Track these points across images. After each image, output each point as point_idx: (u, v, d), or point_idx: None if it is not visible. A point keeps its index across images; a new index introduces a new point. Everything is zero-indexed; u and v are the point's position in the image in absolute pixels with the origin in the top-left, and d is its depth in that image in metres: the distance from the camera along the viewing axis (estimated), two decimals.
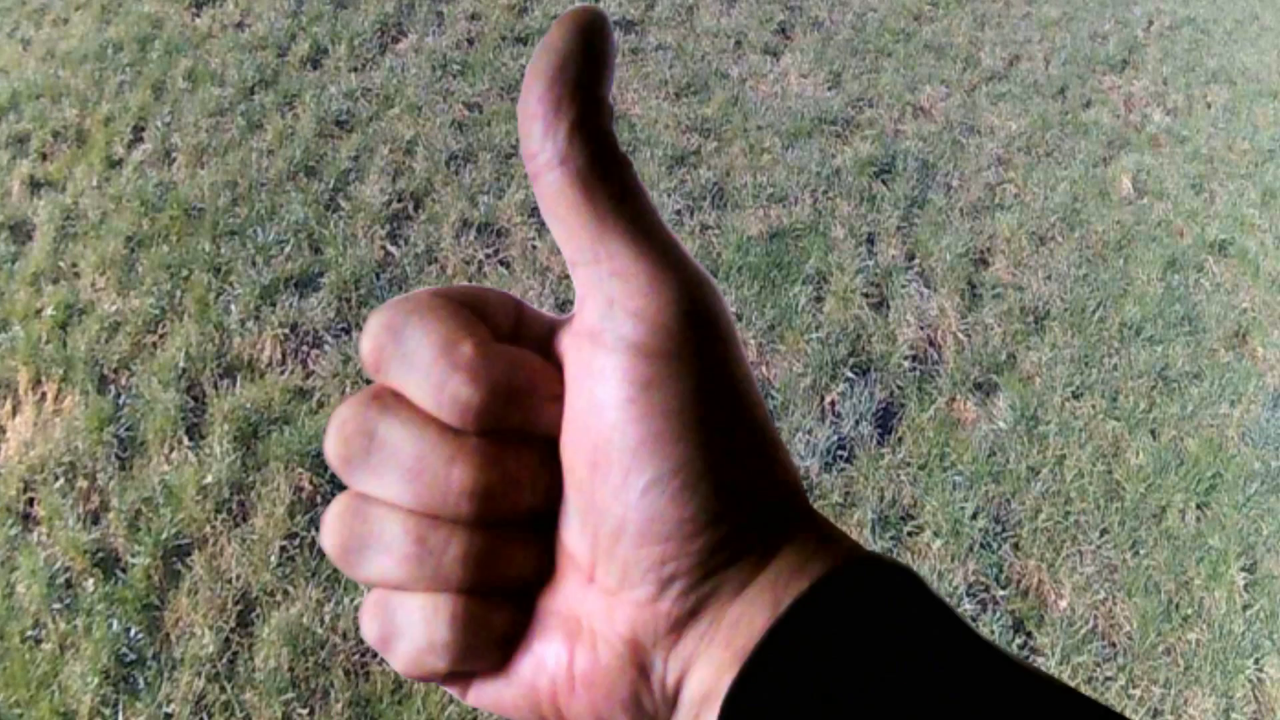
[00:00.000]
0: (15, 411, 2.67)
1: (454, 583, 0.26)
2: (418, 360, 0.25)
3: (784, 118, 4.02)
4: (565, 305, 3.01)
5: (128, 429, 2.58)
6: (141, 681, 2.06)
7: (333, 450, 0.26)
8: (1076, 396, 2.99)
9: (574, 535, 0.27)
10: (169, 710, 2.03)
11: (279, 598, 2.22)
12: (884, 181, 3.77)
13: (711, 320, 0.26)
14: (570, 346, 0.27)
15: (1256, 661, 2.37)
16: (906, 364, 2.98)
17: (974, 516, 2.55)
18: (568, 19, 0.25)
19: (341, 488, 0.27)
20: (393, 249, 3.19)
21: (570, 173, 0.25)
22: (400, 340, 0.26)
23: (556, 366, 0.27)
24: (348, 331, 2.88)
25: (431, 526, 0.25)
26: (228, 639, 2.15)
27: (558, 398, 0.26)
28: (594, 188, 0.25)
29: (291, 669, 2.09)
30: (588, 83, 0.25)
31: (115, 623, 2.15)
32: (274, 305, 2.92)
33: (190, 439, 2.56)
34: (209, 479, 2.43)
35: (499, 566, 0.26)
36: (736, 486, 0.25)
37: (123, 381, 2.73)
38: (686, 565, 0.25)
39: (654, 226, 0.26)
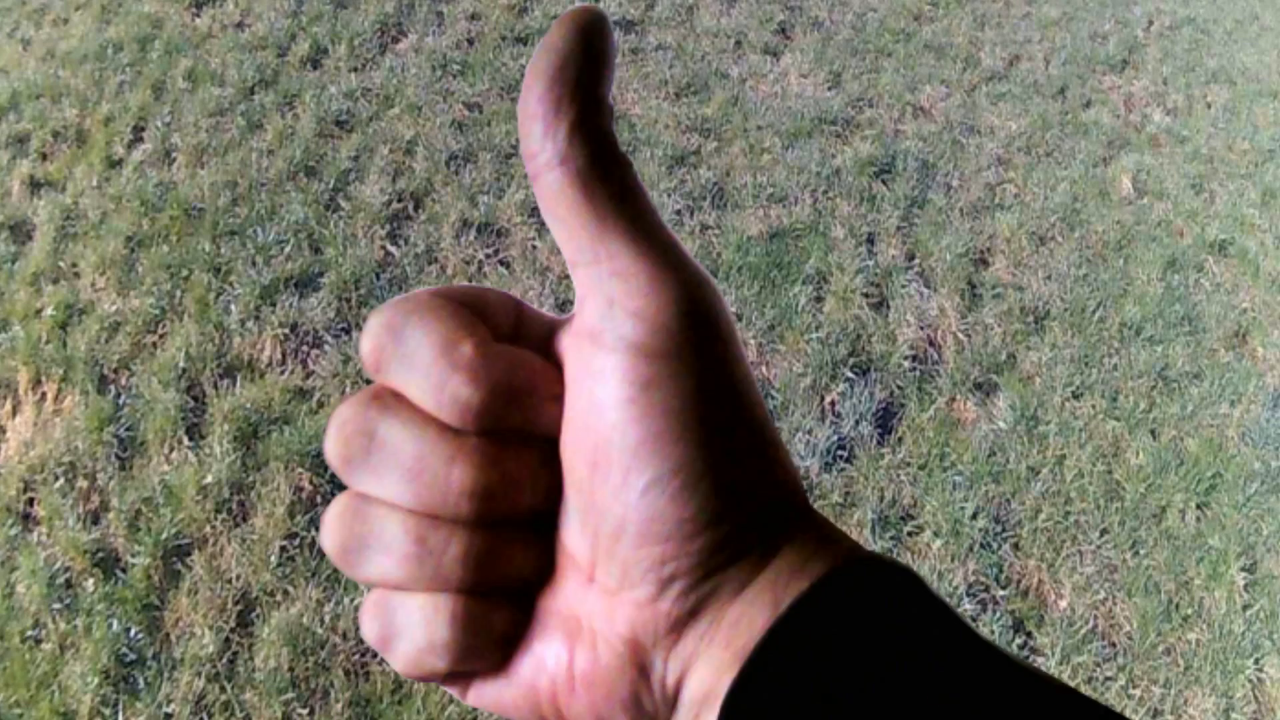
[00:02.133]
0: (15, 411, 2.67)
1: (454, 583, 0.26)
2: (418, 360, 0.25)
3: (784, 118, 4.02)
4: (565, 305, 3.01)
5: (128, 429, 2.58)
6: (141, 681, 2.06)
7: (333, 450, 0.26)
8: (1076, 396, 2.99)
9: (574, 535, 0.27)
10: (169, 710, 2.03)
11: (279, 598, 2.22)
12: (884, 181, 3.77)
13: (711, 320, 0.26)
14: (570, 346, 0.27)
15: (1256, 661, 2.37)
16: (906, 364, 2.98)
17: (974, 516, 2.55)
18: (568, 19, 0.25)
19: (341, 488, 0.27)
20: (393, 249, 3.19)
21: (570, 173, 0.25)
22: (400, 340, 0.26)
23: (556, 366, 0.27)
24: (348, 331, 2.88)
25: (431, 526, 0.25)
26: (228, 639, 2.15)
27: (558, 398, 0.26)
28: (594, 188, 0.25)
29: (291, 669, 2.09)
30: (588, 83, 0.25)
31: (115, 623, 2.15)
32: (274, 305, 2.92)
33: (190, 439, 2.56)
34: (209, 479, 2.43)
35: (499, 566, 0.26)
36: (736, 486, 0.25)
37: (123, 381, 2.73)
38: (686, 565, 0.25)
39: (654, 226, 0.26)
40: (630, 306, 0.25)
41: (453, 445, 0.25)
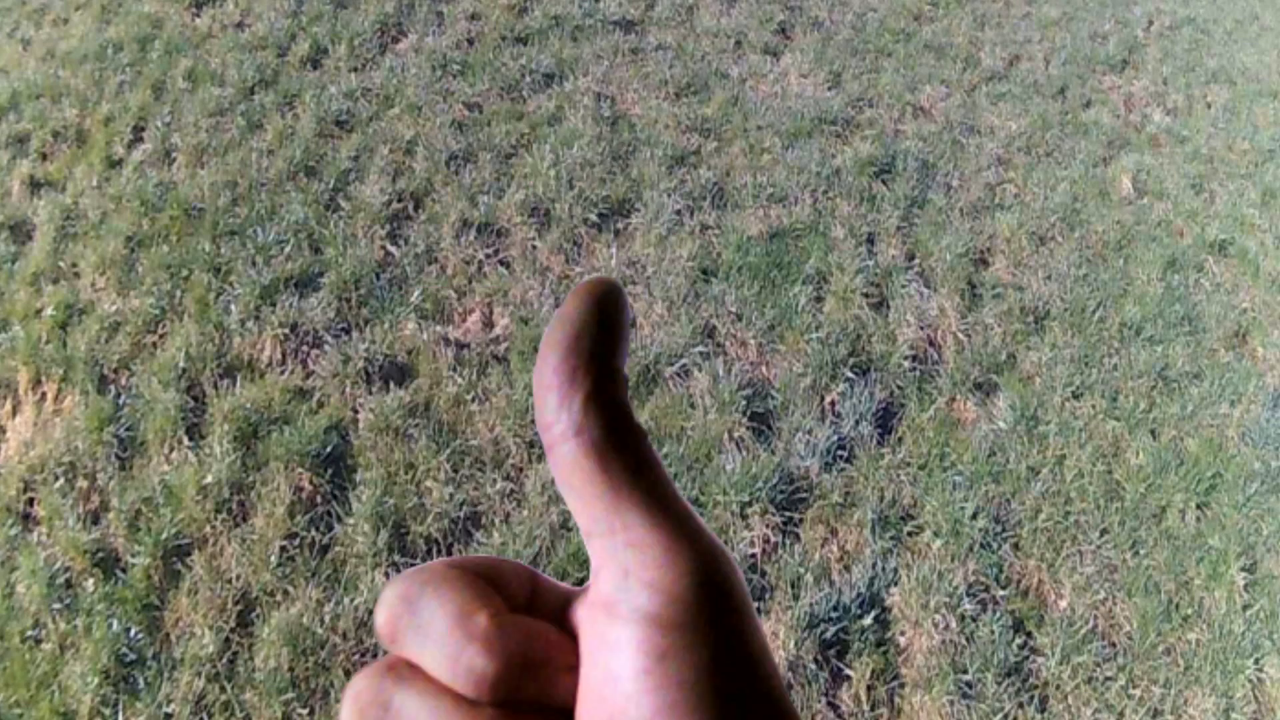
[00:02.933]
0: (15, 411, 2.67)
1: None
2: (433, 631, 0.26)
3: (784, 118, 4.02)
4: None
5: (128, 429, 2.58)
6: (141, 681, 2.06)
7: None
8: (1076, 396, 2.99)
9: None
10: (169, 710, 2.03)
11: (279, 598, 2.22)
12: (884, 181, 3.77)
13: (727, 592, 0.26)
14: (585, 618, 0.27)
15: (1256, 661, 2.37)
16: (906, 364, 2.98)
17: (974, 516, 2.55)
18: (583, 290, 0.26)
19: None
20: (393, 249, 3.19)
21: (585, 444, 0.25)
22: (415, 611, 0.26)
23: (571, 637, 0.27)
24: (348, 331, 2.88)
25: None
26: (228, 639, 2.15)
27: (573, 668, 0.27)
28: (609, 459, 0.25)
29: (291, 669, 2.09)
30: (602, 354, 0.25)
31: (115, 623, 2.15)
32: (274, 305, 2.92)
33: (190, 439, 2.56)
34: (209, 479, 2.43)
35: None
36: None
37: (123, 381, 2.73)
38: None
39: (669, 497, 0.26)
40: (645, 577, 0.25)
41: (468, 717, 0.25)
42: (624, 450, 0.26)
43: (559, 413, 0.25)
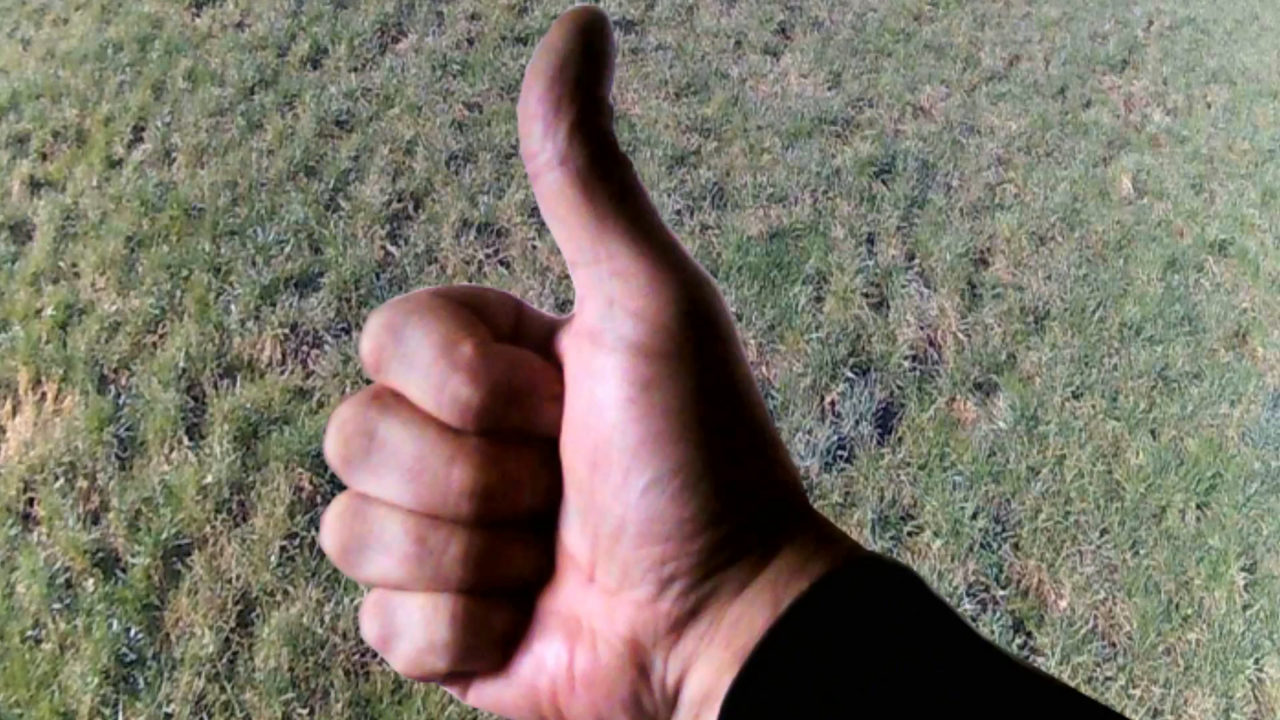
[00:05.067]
0: (15, 411, 2.67)
1: (454, 583, 0.26)
2: (418, 360, 0.25)
3: (784, 118, 4.02)
4: (565, 305, 3.01)
5: (128, 429, 2.58)
6: (141, 681, 2.07)
7: (333, 450, 0.26)
8: (1076, 396, 2.99)
9: (574, 535, 0.27)
10: (169, 710, 2.03)
11: (279, 598, 2.22)
12: (884, 181, 3.77)
13: (711, 320, 0.26)
14: (570, 347, 0.27)
15: (1256, 661, 2.37)
16: (906, 364, 2.98)
17: (974, 516, 2.55)
18: (567, 19, 0.25)
19: (341, 488, 0.27)
20: (393, 249, 3.19)
21: (570, 172, 0.25)
22: (400, 340, 0.26)
23: (556, 367, 0.27)
24: (348, 331, 2.88)
25: (431, 526, 0.25)
26: (228, 639, 2.15)
27: (558, 398, 0.27)
28: (594, 187, 0.25)
29: (291, 669, 2.09)
30: (587, 83, 0.25)
31: (115, 623, 2.15)
32: (274, 305, 2.92)
33: (190, 439, 2.56)
34: (209, 479, 2.43)
35: (499, 566, 0.26)
36: (736, 487, 0.25)
37: (123, 381, 2.73)
38: (686, 565, 0.25)
39: (654, 227, 0.26)
40: (630, 306, 0.25)
41: (453, 445, 0.25)
42: (609, 179, 0.25)
43: (544, 141, 0.25)
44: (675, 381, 0.25)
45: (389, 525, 0.26)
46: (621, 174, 0.26)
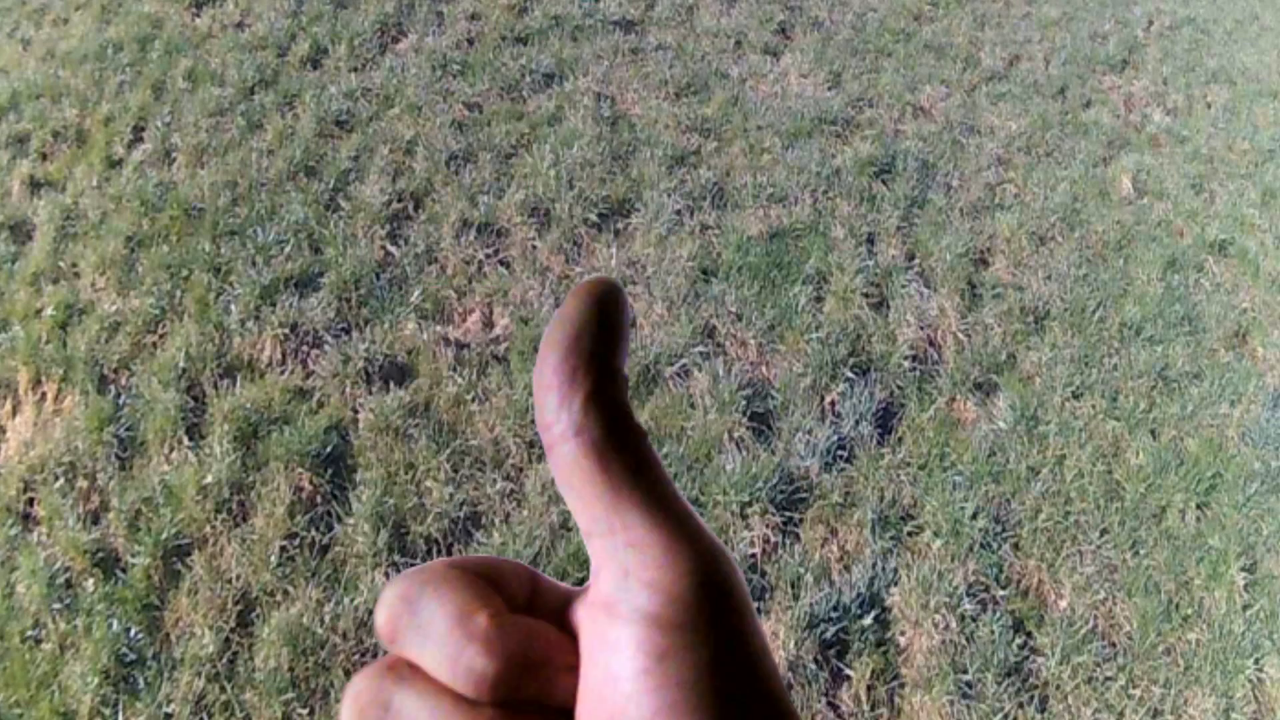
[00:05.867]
0: (15, 411, 2.67)
1: None
2: (433, 631, 0.26)
3: (784, 118, 4.02)
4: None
5: (128, 429, 2.58)
6: (141, 681, 2.06)
7: None
8: (1076, 396, 2.99)
9: None
10: (169, 710, 2.03)
11: (279, 598, 2.22)
12: (884, 181, 3.77)
13: (727, 592, 0.26)
14: (585, 618, 0.27)
15: (1256, 661, 2.37)
16: (906, 364, 2.98)
17: (974, 516, 2.55)
18: (583, 290, 0.26)
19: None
20: (393, 249, 3.19)
21: (585, 444, 0.25)
22: (415, 611, 0.26)
23: (571, 637, 0.27)
24: (348, 331, 2.88)
25: None
26: (228, 639, 2.15)
27: (573, 669, 0.27)
28: (609, 459, 0.25)
29: (291, 669, 2.09)
30: (602, 354, 0.25)
31: (115, 623, 2.15)
32: (274, 305, 2.92)
33: (190, 439, 2.56)
34: (209, 479, 2.43)
35: None
36: None
37: (123, 381, 2.73)
38: None
39: (669, 497, 0.26)
40: (645, 577, 0.25)
41: (468, 717, 0.25)
42: (624, 450, 0.25)
43: (559, 413, 0.25)
44: (691, 653, 0.25)
45: None
46: (637, 445, 0.26)
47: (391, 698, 0.26)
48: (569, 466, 0.26)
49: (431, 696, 0.26)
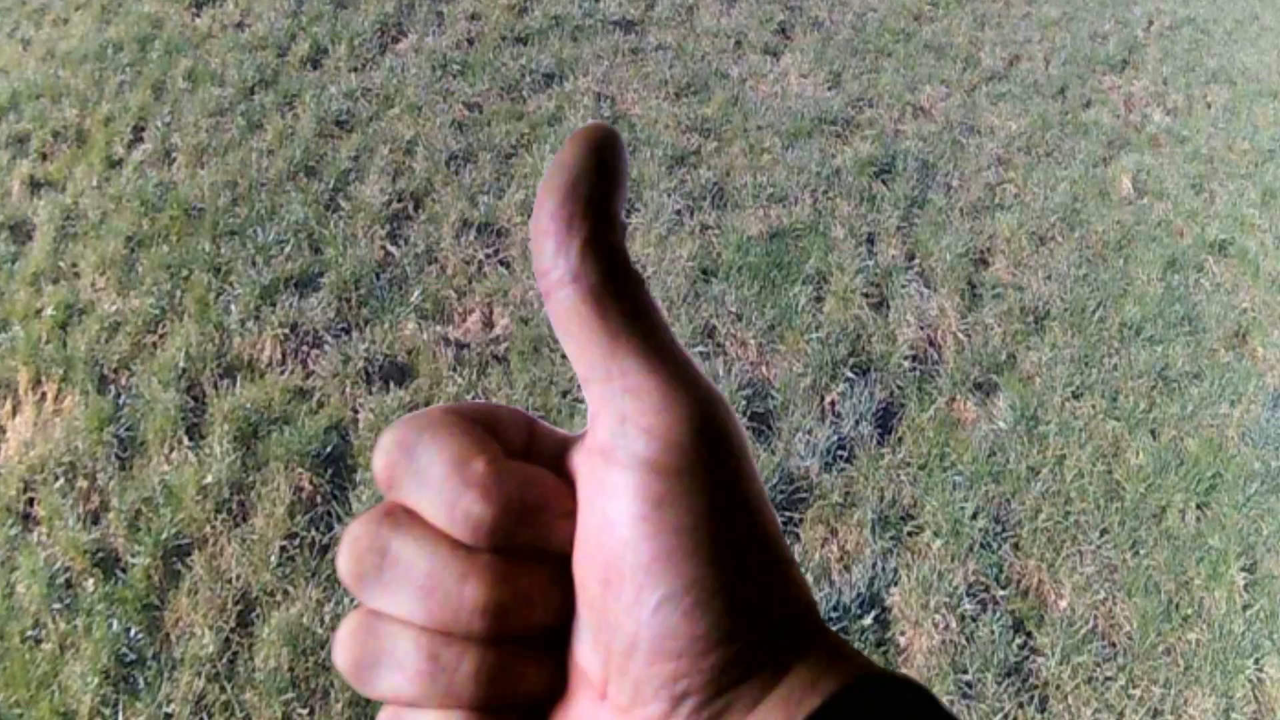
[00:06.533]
0: (15, 411, 2.67)
1: (466, 699, 0.26)
2: (430, 477, 0.26)
3: (784, 118, 4.02)
4: None
5: (128, 429, 2.58)
6: (141, 681, 2.07)
7: (345, 567, 0.27)
8: (1076, 396, 2.99)
9: (586, 652, 0.27)
10: (169, 710, 2.03)
11: (279, 598, 2.22)
12: (884, 181, 3.77)
13: (724, 437, 0.26)
14: (583, 463, 0.27)
15: (1256, 661, 2.37)
16: (906, 364, 2.98)
17: (974, 516, 2.55)
18: (580, 136, 0.26)
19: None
20: (393, 249, 3.19)
21: (583, 290, 0.25)
22: (413, 457, 0.26)
23: (569, 483, 0.27)
24: (348, 331, 2.88)
25: (444, 643, 0.26)
26: (228, 639, 2.15)
27: (570, 514, 0.27)
28: (606, 305, 0.25)
29: (291, 669, 2.09)
30: (600, 200, 0.25)
31: (115, 623, 2.15)
32: (274, 305, 2.92)
33: (190, 439, 2.56)
34: (209, 479, 2.43)
35: (511, 683, 0.26)
36: (749, 604, 0.25)
37: (123, 381, 2.73)
38: (699, 682, 0.25)
39: (666, 344, 0.26)
40: (642, 423, 0.25)
41: (465, 562, 0.25)
42: (621, 296, 0.25)
43: (556, 258, 0.25)
44: (688, 498, 0.25)
45: (401, 642, 0.26)
46: (634, 291, 0.26)
47: (389, 543, 0.26)
48: (566, 312, 0.25)
49: (429, 542, 0.26)
